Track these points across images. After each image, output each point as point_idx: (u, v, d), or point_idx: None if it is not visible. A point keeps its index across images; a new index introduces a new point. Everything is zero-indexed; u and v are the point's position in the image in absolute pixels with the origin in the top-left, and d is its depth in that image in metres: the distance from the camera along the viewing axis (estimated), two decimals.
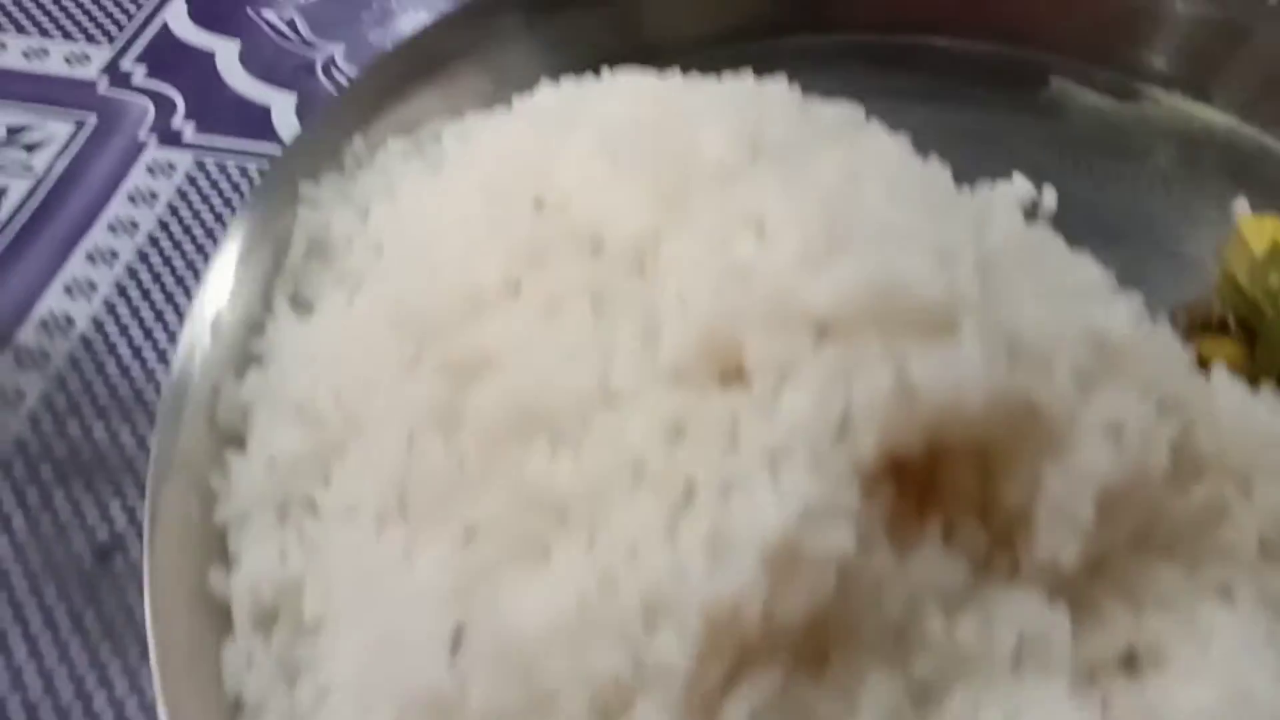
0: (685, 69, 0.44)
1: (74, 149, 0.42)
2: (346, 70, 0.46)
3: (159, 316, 0.37)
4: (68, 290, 0.38)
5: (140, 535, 0.28)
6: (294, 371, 0.31)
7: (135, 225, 0.40)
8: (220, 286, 0.33)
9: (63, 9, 0.48)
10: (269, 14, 0.49)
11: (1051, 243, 0.36)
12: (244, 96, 0.45)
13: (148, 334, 0.37)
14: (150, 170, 0.42)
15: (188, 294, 0.38)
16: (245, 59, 0.47)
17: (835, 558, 0.22)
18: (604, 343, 0.26)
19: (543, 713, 0.23)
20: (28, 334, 0.36)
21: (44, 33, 0.47)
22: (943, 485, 0.26)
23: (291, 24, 0.48)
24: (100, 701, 0.29)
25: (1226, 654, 0.26)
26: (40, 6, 0.48)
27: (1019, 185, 0.43)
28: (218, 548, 0.28)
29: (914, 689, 0.24)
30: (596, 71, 0.45)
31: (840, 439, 0.24)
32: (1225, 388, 0.30)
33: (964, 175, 0.44)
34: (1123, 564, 0.27)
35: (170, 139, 0.43)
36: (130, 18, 0.48)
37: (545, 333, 0.27)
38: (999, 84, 0.49)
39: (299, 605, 0.27)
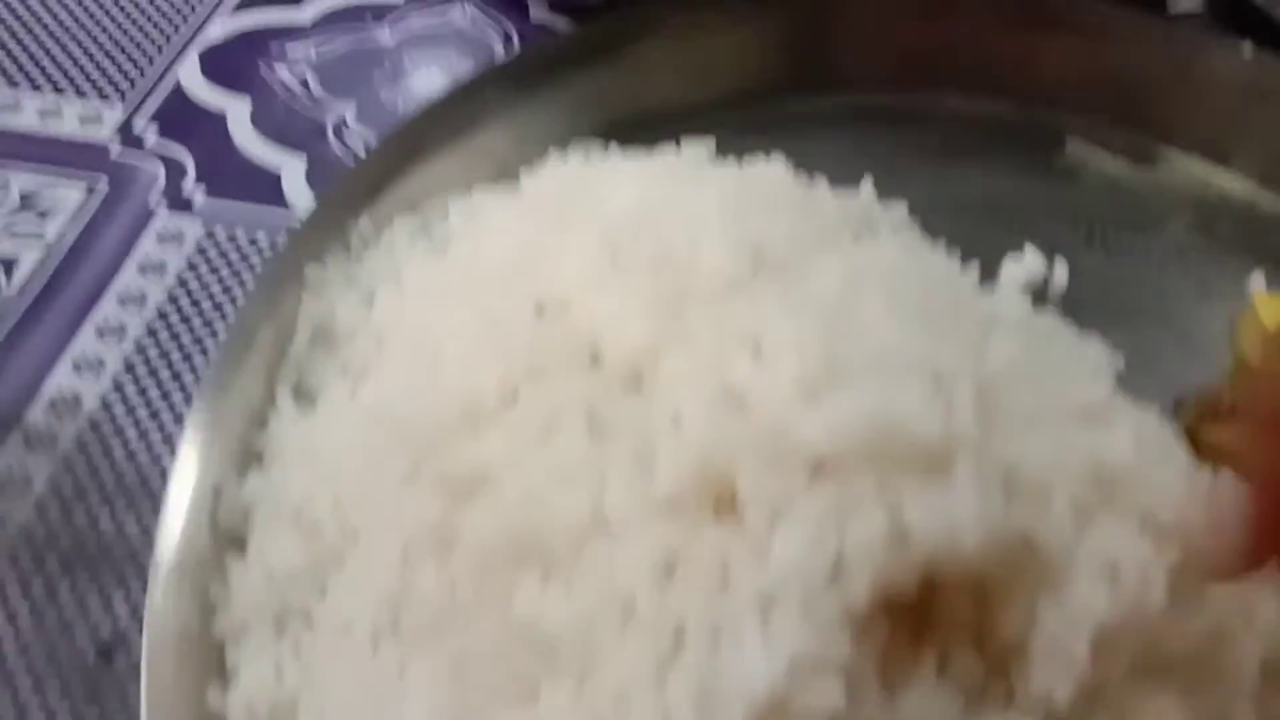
0: (692, 132, 0.45)
1: (85, 216, 0.43)
2: (357, 131, 0.47)
3: (165, 396, 0.38)
4: (76, 367, 0.38)
5: (142, 632, 0.28)
6: (294, 474, 0.31)
7: (144, 298, 0.40)
8: (224, 378, 0.33)
9: (76, 65, 0.49)
10: (281, 70, 0.49)
11: (1058, 337, 0.36)
12: (254, 160, 0.45)
13: (154, 415, 0.37)
14: (160, 239, 0.42)
15: (194, 371, 0.38)
16: (256, 119, 0.47)
17: (825, 714, 0.22)
18: (599, 466, 0.26)
19: None
20: (36, 414, 0.37)
21: (58, 89, 0.48)
22: (938, 615, 0.26)
23: (303, 81, 0.49)
24: None
25: None
26: (54, 62, 0.49)
27: (1030, 260, 0.43)
28: (216, 660, 0.28)
29: None
30: (607, 137, 0.45)
31: (833, 583, 0.24)
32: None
33: (975, 246, 0.44)
34: (1119, 692, 0.27)
35: (180, 205, 0.43)
36: (143, 74, 0.48)
37: (540, 453, 0.27)
38: (1012, 147, 0.48)
39: None
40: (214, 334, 0.39)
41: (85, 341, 0.39)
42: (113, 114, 0.47)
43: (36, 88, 0.48)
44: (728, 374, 0.27)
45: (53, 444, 0.36)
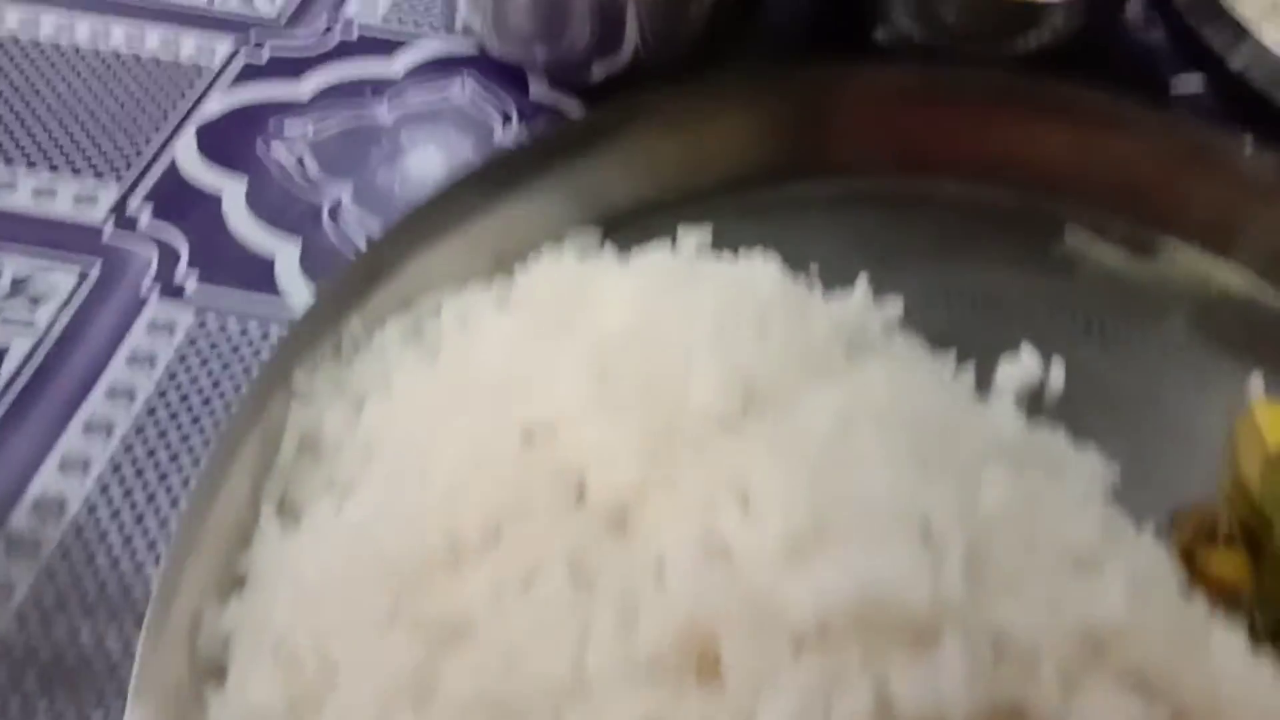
0: (689, 219, 0.45)
1: (76, 303, 0.42)
2: (353, 214, 0.46)
3: (151, 499, 0.37)
4: (62, 467, 0.38)
5: None
6: (276, 601, 0.30)
7: (133, 393, 0.40)
8: (207, 494, 0.33)
9: (73, 141, 0.48)
10: (278, 148, 0.49)
11: (1053, 456, 0.35)
12: (248, 245, 0.45)
13: (139, 519, 0.37)
14: (151, 328, 0.42)
15: (181, 472, 0.38)
16: (251, 200, 0.46)
17: None
18: (580, 619, 0.26)
19: None
20: (20, 518, 0.36)
21: (53, 166, 0.47)
22: None
23: (300, 160, 0.48)
24: None
25: None
26: (51, 138, 0.48)
27: (1026, 360, 0.43)
28: None
29: None
30: (605, 226, 0.45)
31: None
32: (1225, 650, 0.29)
33: (972, 342, 0.44)
34: None
35: (172, 292, 0.43)
36: (140, 151, 0.48)
37: (522, 601, 0.27)
38: (1010, 235, 0.48)
39: None
40: (202, 432, 0.39)
41: (72, 439, 0.39)
42: (107, 193, 0.47)
43: (32, 165, 0.47)
44: (714, 524, 0.26)
45: (35, 550, 0.36)
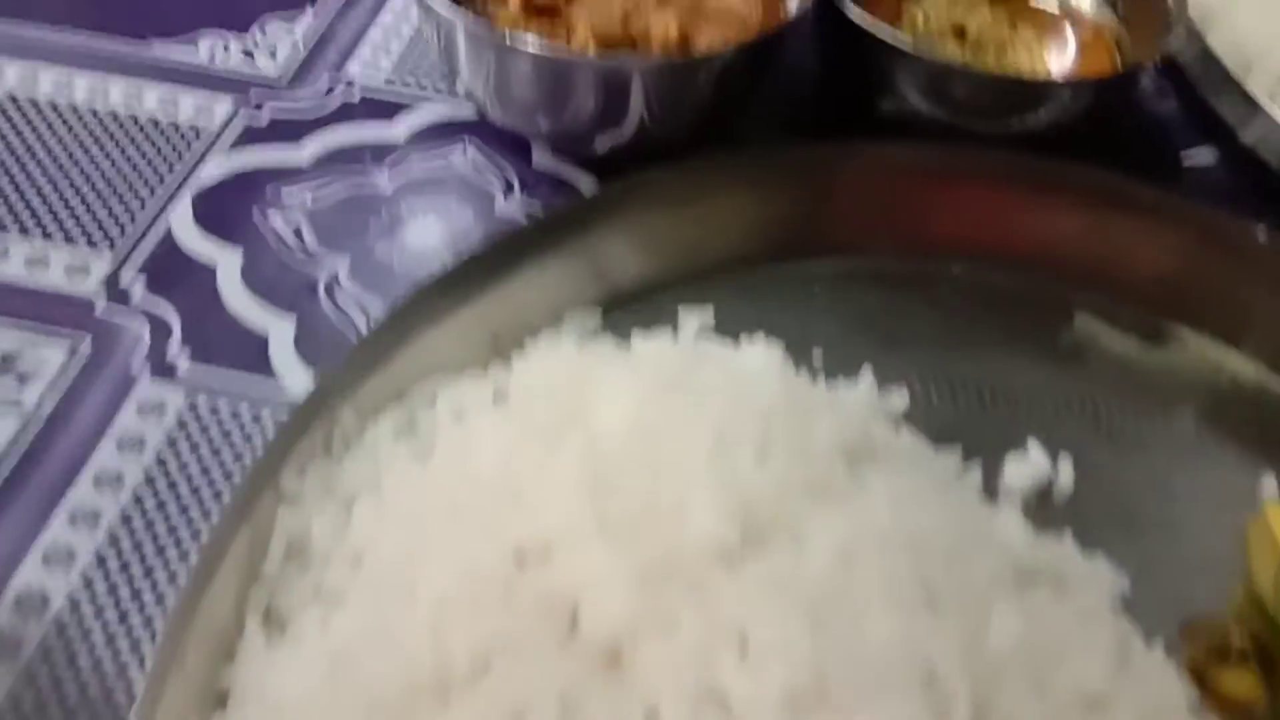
0: (692, 300, 0.44)
1: (65, 381, 0.42)
2: (349, 290, 0.45)
3: (136, 595, 0.36)
4: (46, 560, 0.37)
5: None
6: None
7: (120, 479, 0.39)
8: (192, 605, 0.32)
9: (68, 207, 0.48)
10: (275, 218, 0.48)
11: (1063, 571, 0.35)
12: (241, 321, 0.44)
13: (123, 617, 0.36)
14: (140, 410, 0.41)
15: (167, 566, 0.37)
16: (247, 273, 0.46)
17: None
18: None
19: None
20: (2, 615, 0.36)
21: (47, 234, 0.47)
22: None
23: (297, 230, 0.48)
24: None
25: None
26: (46, 204, 0.48)
27: (1034, 458, 0.42)
28: None
29: None
30: (607, 307, 0.44)
31: None
32: None
33: (977, 436, 0.43)
34: None
35: (163, 371, 0.42)
36: (134, 218, 0.47)
37: None
38: (1017, 321, 0.47)
39: None
40: (190, 522, 0.38)
41: (57, 530, 0.38)
42: (100, 263, 0.46)
43: (25, 232, 0.47)
44: (711, 672, 0.25)
45: (16, 650, 0.35)
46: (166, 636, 0.31)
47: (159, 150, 0.50)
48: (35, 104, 0.52)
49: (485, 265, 0.42)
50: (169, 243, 0.47)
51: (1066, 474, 0.41)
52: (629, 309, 0.45)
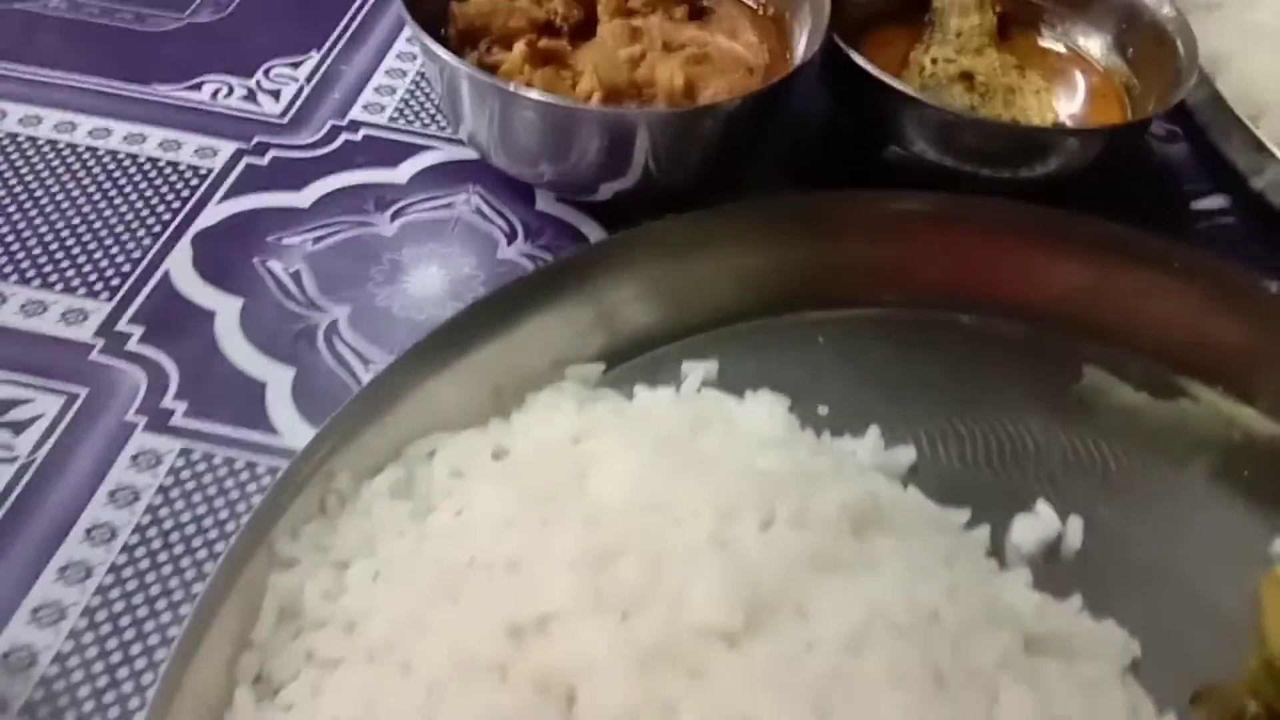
0: (697, 351, 0.44)
1: (59, 430, 0.41)
2: (349, 339, 0.45)
3: (125, 652, 0.36)
4: (35, 616, 0.36)
5: None
6: None
7: (114, 533, 0.39)
8: (181, 672, 0.31)
9: (66, 251, 0.47)
10: (275, 265, 0.47)
11: (1072, 642, 0.34)
12: (239, 370, 0.43)
13: (112, 674, 0.35)
14: (134, 462, 0.40)
15: (157, 622, 0.36)
16: (245, 321, 0.45)
17: None
18: None
19: None
20: None
21: (45, 279, 0.46)
22: None
23: (296, 276, 0.47)
24: None
25: None
26: (45, 248, 0.47)
27: (1043, 516, 0.41)
28: None
29: None
30: (609, 360, 0.43)
31: None
32: None
33: (986, 494, 0.42)
34: None
35: (159, 422, 0.42)
36: (135, 264, 0.47)
37: None
38: (1026, 374, 0.46)
39: None
40: (182, 577, 0.38)
41: (47, 585, 0.37)
42: (99, 311, 0.45)
43: (25, 278, 0.46)
44: None
45: (2, 710, 0.34)
46: (155, 703, 0.30)
47: (159, 193, 0.50)
48: (36, 143, 0.51)
49: (487, 316, 0.41)
50: (167, 287, 0.46)
51: (1076, 533, 0.41)
52: (632, 361, 0.45)
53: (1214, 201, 0.56)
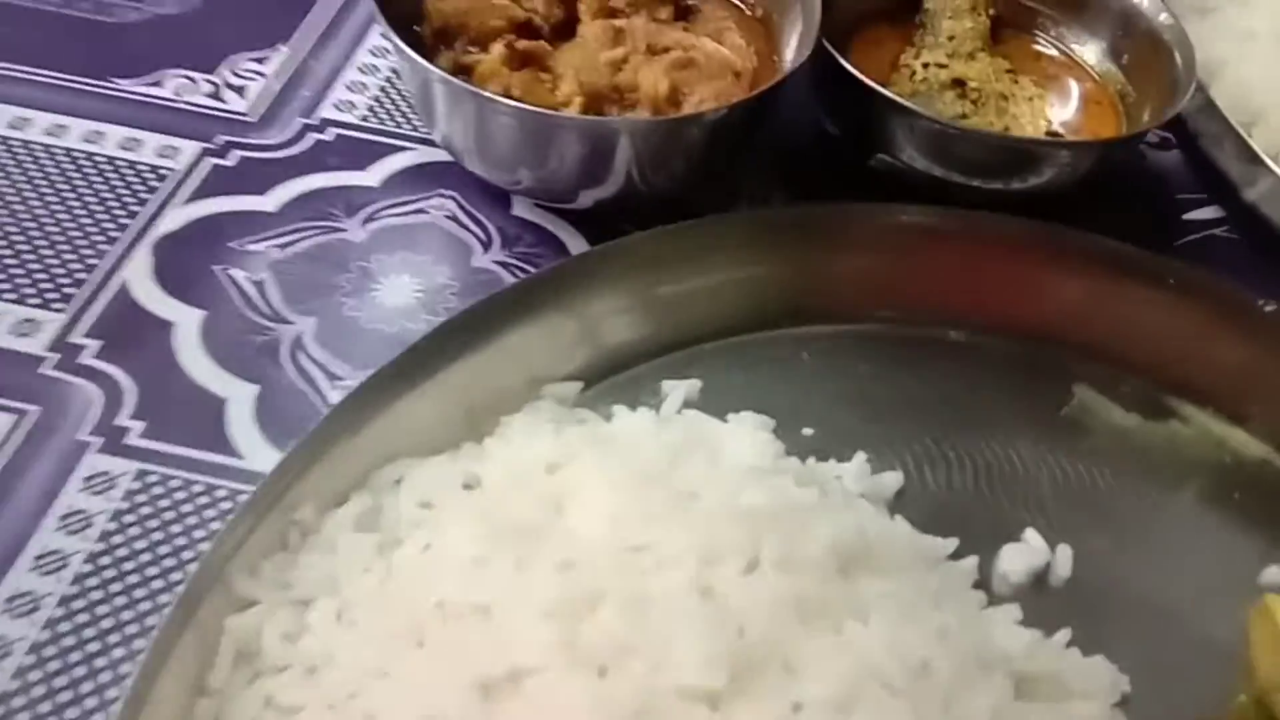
0: (679, 368, 0.42)
1: (8, 451, 0.39)
2: (315, 354, 0.43)
3: (76, 692, 0.34)
4: None
5: None
6: None
7: (64, 562, 0.37)
8: (134, 717, 0.29)
9: (18, 257, 0.45)
10: (238, 274, 0.45)
11: (1059, 664, 0.33)
12: (199, 387, 0.41)
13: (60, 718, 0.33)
14: (87, 485, 0.38)
15: (109, 655, 0.35)
16: (206, 334, 0.43)
17: None
18: None
19: None
20: None
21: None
22: None
23: (261, 286, 0.45)
24: None
25: None
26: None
27: (1033, 546, 0.40)
28: None
29: None
30: (589, 377, 0.42)
31: None
32: None
33: (975, 524, 0.41)
34: None
35: (113, 442, 0.40)
36: (89, 273, 0.45)
37: None
38: (1015, 393, 0.45)
39: None
40: (136, 610, 0.36)
41: None
42: (52, 322, 0.43)
43: None
44: None
45: None
46: None
47: (118, 195, 0.48)
48: None
49: (462, 333, 0.40)
50: (125, 300, 0.44)
51: (1065, 562, 0.40)
52: (611, 379, 0.43)
53: (1207, 212, 0.55)
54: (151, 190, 0.48)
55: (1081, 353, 0.46)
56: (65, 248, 0.46)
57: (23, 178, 0.48)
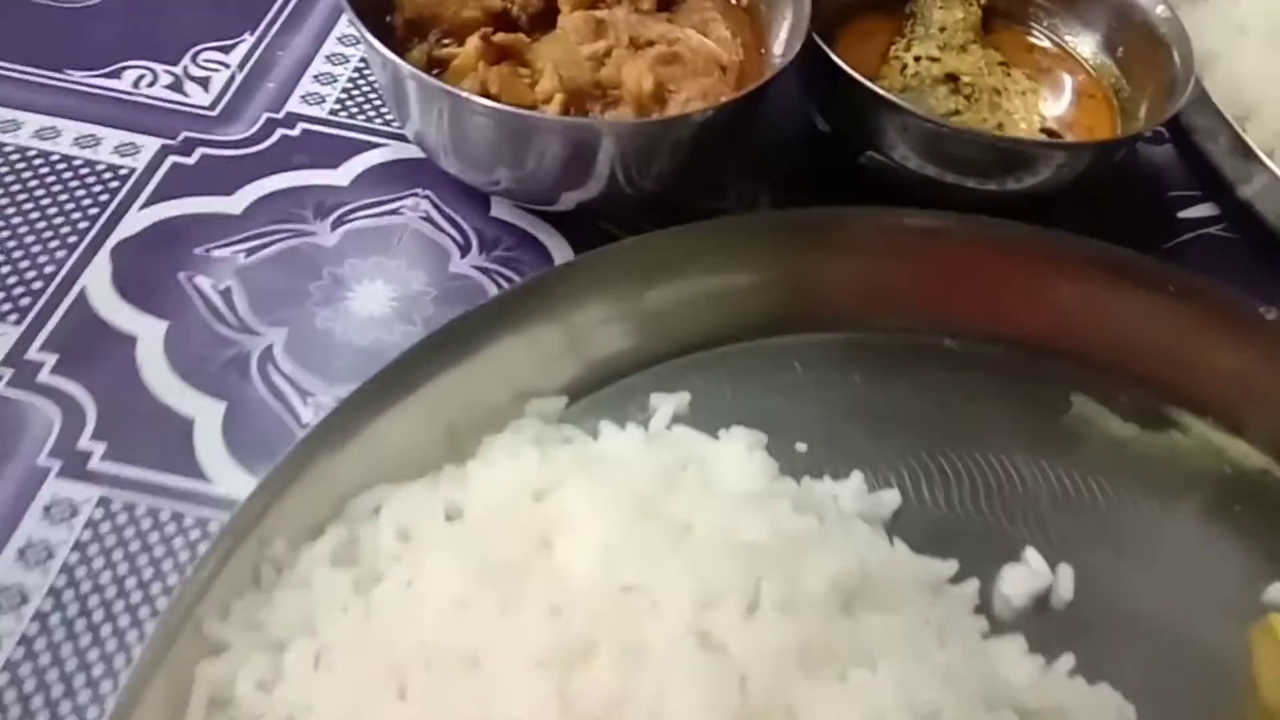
0: (668, 380, 0.41)
1: None
2: (285, 367, 0.41)
3: None
4: None
5: None
6: None
7: (24, 597, 0.35)
8: None
9: None
10: (203, 282, 0.43)
11: (1063, 695, 0.32)
12: (164, 404, 0.39)
13: None
14: (48, 513, 0.36)
15: (75, 703, 0.33)
16: (170, 347, 0.41)
17: None
18: None
19: None
20: None
21: None
22: None
23: (227, 294, 0.43)
24: None
25: None
26: None
27: (1034, 566, 0.39)
28: None
29: None
30: (577, 392, 0.40)
31: None
32: None
33: (974, 543, 0.40)
34: None
35: (74, 466, 0.37)
36: (48, 282, 0.42)
37: None
38: (1013, 404, 0.44)
39: None
40: (101, 650, 0.34)
41: None
42: (6, 335, 0.41)
43: None
44: None
45: None
46: None
47: (74, 197, 0.45)
48: None
49: (442, 348, 0.38)
50: (83, 310, 0.42)
51: (1066, 583, 0.38)
52: (598, 393, 0.41)
53: (1202, 210, 0.54)
54: (111, 192, 0.46)
55: (1080, 361, 0.44)
56: (19, 255, 0.43)
57: None
